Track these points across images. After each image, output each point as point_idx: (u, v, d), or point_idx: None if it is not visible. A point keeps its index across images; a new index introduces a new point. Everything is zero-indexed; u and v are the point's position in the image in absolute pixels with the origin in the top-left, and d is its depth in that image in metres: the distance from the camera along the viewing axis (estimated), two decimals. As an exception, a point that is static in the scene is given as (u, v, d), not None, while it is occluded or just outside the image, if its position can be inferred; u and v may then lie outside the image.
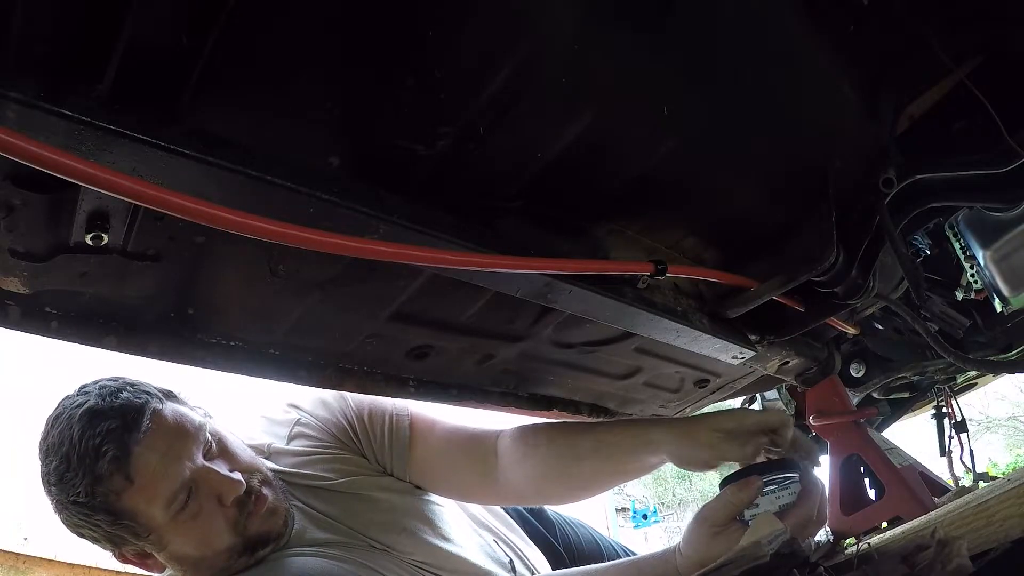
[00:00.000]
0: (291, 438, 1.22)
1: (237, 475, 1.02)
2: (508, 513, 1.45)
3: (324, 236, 0.60)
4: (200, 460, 0.99)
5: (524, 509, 1.50)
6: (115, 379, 1.02)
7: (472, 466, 1.25)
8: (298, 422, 1.23)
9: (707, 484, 15.09)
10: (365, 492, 1.19)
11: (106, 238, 0.63)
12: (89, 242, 0.63)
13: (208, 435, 1.03)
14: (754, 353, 1.15)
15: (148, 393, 1.00)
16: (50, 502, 0.99)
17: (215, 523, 0.99)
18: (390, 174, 0.70)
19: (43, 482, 0.99)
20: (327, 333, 0.91)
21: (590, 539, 1.55)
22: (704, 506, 1.02)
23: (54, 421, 0.98)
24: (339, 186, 0.65)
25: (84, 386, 1.01)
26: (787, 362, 1.32)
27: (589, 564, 1.27)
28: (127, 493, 0.93)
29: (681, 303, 1.03)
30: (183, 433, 0.99)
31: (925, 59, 0.81)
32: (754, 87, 0.78)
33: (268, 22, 0.55)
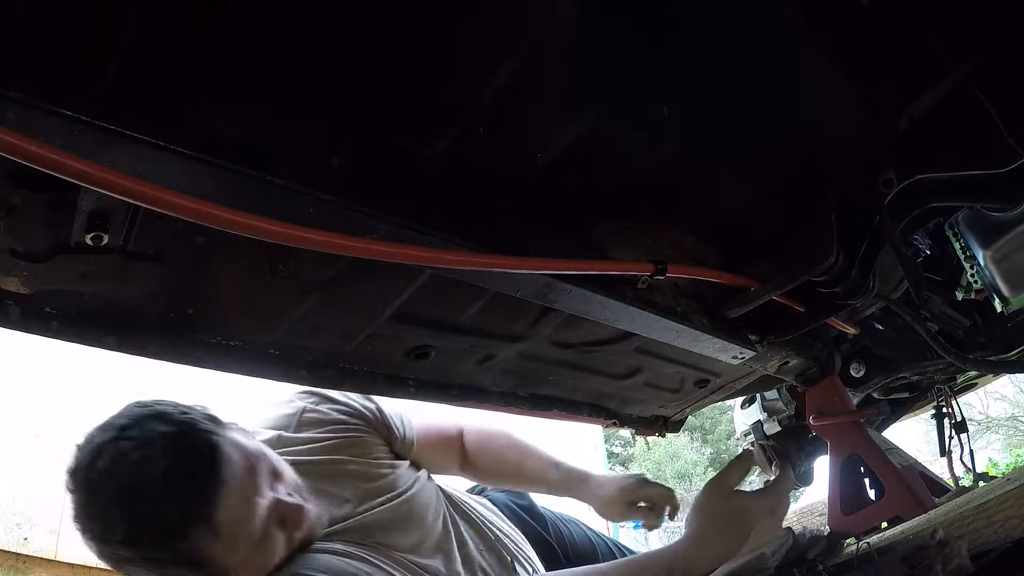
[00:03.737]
0: (300, 425, 1.20)
1: (296, 498, 1.00)
2: (502, 511, 1.45)
3: (324, 236, 0.60)
4: (269, 493, 0.97)
5: (516, 506, 1.50)
6: (159, 413, 0.91)
7: (449, 458, 1.37)
8: (305, 410, 1.22)
9: (707, 484, 15.07)
10: (377, 482, 1.18)
11: (106, 238, 0.63)
12: (89, 242, 0.63)
13: (270, 461, 1.00)
14: (754, 353, 1.15)
15: (208, 431, 0.92)
16: (94, 547, 0.89)
17: (276, 544, 0.98)
18: (390, 174, 0.70)
19: (96, 532, 0.88)
20: (327, 333, 0.91)
21: (583, 536, 1.54)
22: (707, 499, 1.08)
23: (108, 474, 0.86)
24: (339, 186, 0.65)
25: (126, 426, 0.89)
26: (787, 362, 1.32)
27: (584, 561, 1.29)
28: (211, 546, 0.88)
29: (681, 303, 1.03)
30: (251, 469, 0.95)
31: (925, 59, 0.81)
32: (754, 87, 0.78)
33: (268, 22, 0.55)
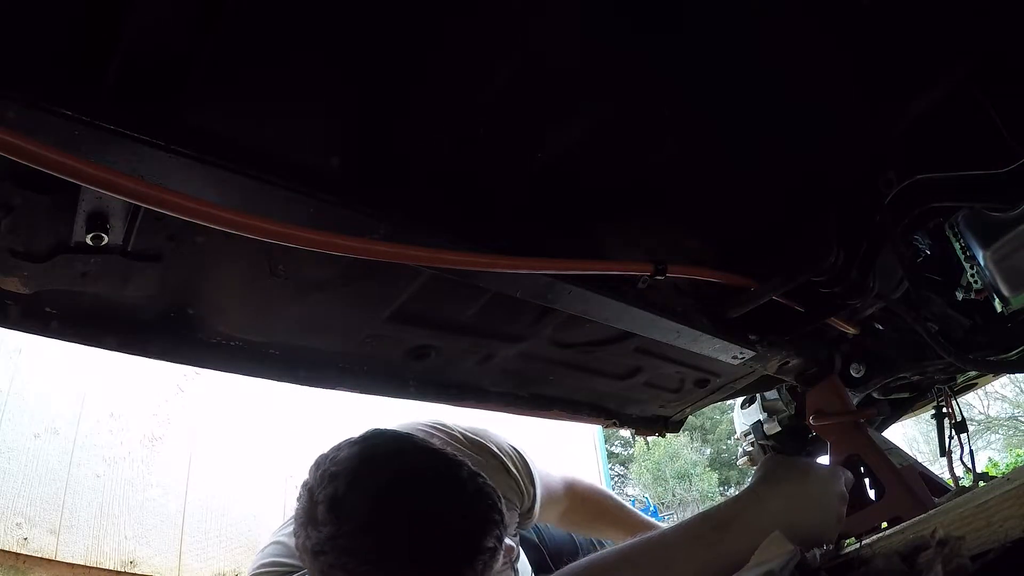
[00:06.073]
0: None
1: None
2: None
3: (324, 236, 0.61)
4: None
5: None
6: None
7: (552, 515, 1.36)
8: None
9: (706, 484, 15.12)
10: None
11: (106, 238, 0.63)
12: (89, 242, 0.63)
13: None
14: (754, 353, 1.15)
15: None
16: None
17: None
18: (390, 174, 0.70)
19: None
20: (327, 333, 0.91)
21: (562, 532, 1.54)
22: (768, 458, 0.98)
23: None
24: (339, 186, 0.65)
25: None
26: (787, 362, 1.32)
27: (563, 554, 1.26)
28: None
29: (681, 303, 1.04)
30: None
31: (925, 59, 0.81)
32: (754, 88, 0.78)
33: (268, 23, 0.55)
